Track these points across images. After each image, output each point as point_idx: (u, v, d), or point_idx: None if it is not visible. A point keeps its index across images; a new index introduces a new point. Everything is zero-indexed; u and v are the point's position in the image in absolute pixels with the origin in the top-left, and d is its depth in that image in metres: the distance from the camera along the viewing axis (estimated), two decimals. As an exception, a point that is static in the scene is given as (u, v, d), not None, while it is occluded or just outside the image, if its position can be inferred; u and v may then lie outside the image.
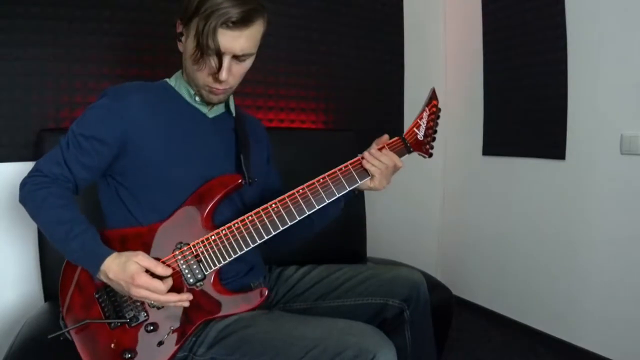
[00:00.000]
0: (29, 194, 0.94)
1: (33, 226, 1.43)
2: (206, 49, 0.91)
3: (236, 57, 0.95)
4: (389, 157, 1.04)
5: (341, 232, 1.16)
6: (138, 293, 0.87)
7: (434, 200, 2.53)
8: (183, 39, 0.99)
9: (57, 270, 0.99)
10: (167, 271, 0.90)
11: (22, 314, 1.43)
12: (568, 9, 1.85)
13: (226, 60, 0.94)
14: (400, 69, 2.34)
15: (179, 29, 1.00)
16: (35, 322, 1.20)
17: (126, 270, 0.86)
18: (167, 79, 1.09)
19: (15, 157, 1.47)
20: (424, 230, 2.52)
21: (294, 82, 2.02)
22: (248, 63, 1.00)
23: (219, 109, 1.09)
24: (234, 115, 1.12)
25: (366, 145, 2.16)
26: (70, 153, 0.95)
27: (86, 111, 0.99)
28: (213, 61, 0.93)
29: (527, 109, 2.06)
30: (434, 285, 1.55)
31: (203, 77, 0.97)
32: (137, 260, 0.87)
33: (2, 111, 1.46)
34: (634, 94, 1.65)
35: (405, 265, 1.70)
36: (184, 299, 0.90)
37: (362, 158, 1.04)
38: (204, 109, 1.06)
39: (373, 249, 1.93)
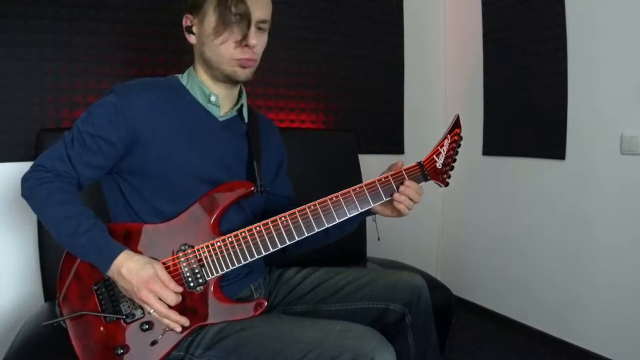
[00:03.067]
0: (32, 189, 0.93)
1: (33, 226, 1.43)
2: (230, 17, 0.93)
3: (257, 25, 0.97)
4: (415, 192, 1.00)
5: (346, 235, 1.14)
6: (147, 298, 0.86)
7: (434, 200, 2.53)
8: (195, 28, 0.99)
9: (57, 270, 0.99)
10: (178, 288, 0.90)
11: (22, 314, 1.43)
12: (568, 9, 1.85)
13: (252, 26, 0.95)
14: (400, 69, 2.34)
15: (187, 22, 1.01)
16: (35, 322, 1.19)
17: (143, 270, 0.87)
18: (178, 75, 1.06)
19: (16, 157, 1.47)
20: (424, 230, 2.52)
21: (294, 82, 2.02)
22: (266, 36, 1.02)
23: (232, 113, 1.07)
24: (246, 120, 1.10)
25: (366, 145, 2.18)
26: (75, 150, 0.94)
27: (92, 108, 0.96)
28: (237, 29, 0.94)
29: (527, 109, 2.06)
30: (434, 285, 1.55)
31: (229, 50, 0.96)
32: (156, 268, 0.88)
33: (2, 111, 1.46)
34: (634, 94, 1.65)
35: (406, 267, 1.70)
36: (180, 322, 0.90)
37: (381, 182, 0.99)
38: (215, 111, 1.04)
39: (373, 250, 1.93)
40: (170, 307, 0.89)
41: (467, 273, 2.42)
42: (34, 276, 1.49)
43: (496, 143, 2.23)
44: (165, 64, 1.66)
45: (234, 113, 1.08)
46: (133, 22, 1.64)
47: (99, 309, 0.93)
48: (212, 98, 1.02)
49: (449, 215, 2.54)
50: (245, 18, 0.94)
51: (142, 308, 0.93)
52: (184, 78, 1.05)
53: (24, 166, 0.99)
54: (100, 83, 1.58)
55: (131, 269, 0.87)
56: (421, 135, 2.34)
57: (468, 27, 2.33)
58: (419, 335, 1.07)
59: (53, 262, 1.30)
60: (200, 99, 1.03)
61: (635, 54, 1.63)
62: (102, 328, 0.93)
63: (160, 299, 0.88)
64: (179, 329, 0.91)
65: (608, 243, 1.76)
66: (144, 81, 1.00)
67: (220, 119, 1.05)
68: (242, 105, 1.09)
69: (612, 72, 1.72)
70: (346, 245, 1.82)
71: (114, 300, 0.93)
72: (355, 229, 1.14)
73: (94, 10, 1.57)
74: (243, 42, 0.96)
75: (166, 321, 0.90)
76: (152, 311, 0.89)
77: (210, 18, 0.95)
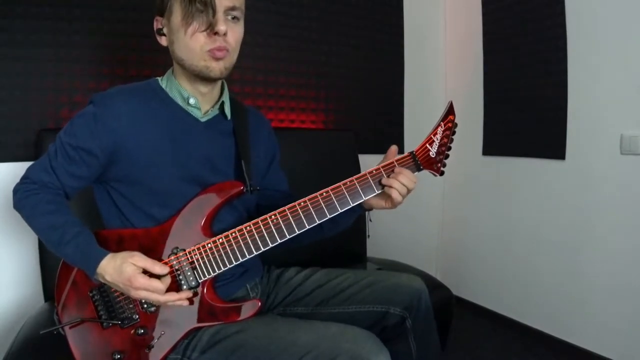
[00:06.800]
0: (21, 201, 0.95)
1: (33, 226, 1.43)
2: (194, 6, 0.89)
3: (228, 14, 0.93)
4: (408, 179, 0.96)
5: (341, 232, 1.14)
6: (138, 294, 0.87)
7: (434, 200, 2.53)
8: (165, 29, 0.97)
9: (57, 270, 0.99)
10: (164, 269, 0.89)
11: (22, 314, 1.43)
12: (568, 9, 1.85)
13: (220, 13, 0.91)
14: (400, 69, 2.34)
15: (158, 24, 0.98)
16: (35, 322, 1.20)
17: (122, 273, 0.86)
18: (158, 78, 1.04)
19: (15, 157, 1.47)
20: (424, 230, 2.52)
21: (294, 82, 2.02)
22: (240, 27, 0.98)
23: (213, 112, 1.05)
24: (229, 118, 1.07)
25: (366, 145, 2.18)
26: (58, 162, 0.94)
27: (74, 119, 0.96)
28: (204, 18, 0.90)
29: (527, 109, 2.06)
30: (434, 285, 1.55)
31: (199, 42, 0.92)
32: (134, 262, 0.87)
33: (2, 111, 1.46)
34: (634, 94, 1.65)
35: (407, 268, 1.70)
36: (182, 298, 0.90)
37: (372, 174, 0.97)
38: (196, 113, 1.02)
39: (373, 249, 1.93)
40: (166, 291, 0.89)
41: (467, 273, 2.42)
42: (34, 276, 1.49)
43: (496, 143, 2.23)
44: (165, 64, 1.66)
45: (216, 111, 1.06)
46: (134, 22, 1.63)
47: (96, 315, 0.93)
48: (191, 101, 1.00)
49: (449, 215, 2.53)
50: (209, 6, 0.90)
51: (137, 313, 0.93)
52: (163, 81, 1.03)
53: (24, 166, 0.99)
54: (100, 83, 1.58)
55: (112, 275, 0.87)
56: (421, 135, 2.31)
57: (468, 27, 2.33)
58: (420, 338, 1.07)
59: (53, 262, 1.30)
60: (180, 102, 1.01)
61: (635, 54, 1.63)
62: (99, 334, 0.93)
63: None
64: (186, 303, 0.91)
65: (608, 243, 1.76)
66: (122, 88, 0.98)
67: (202, 120, 1.03)
68: (222, 103, 1.06)
69: (612, 72, 1.72)
70: (346, 245, 1.83)
71: (109, 305, 0.93)
72: (354, 227, 1.13)
73: (93, 11, 1.57)
74: (211, 29, 0.91)
75: (170, 304, 0.90)
76: (150, 303, 0.89)
77: (177, 13, 0.92)
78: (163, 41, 1.00)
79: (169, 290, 0.90)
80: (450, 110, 1.01)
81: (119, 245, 0.94)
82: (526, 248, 2.09)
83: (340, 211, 0.95)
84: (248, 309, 0.95)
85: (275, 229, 0.93)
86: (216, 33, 0.92)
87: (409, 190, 0.97)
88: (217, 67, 0.95)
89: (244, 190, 0.99)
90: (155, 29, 1.00)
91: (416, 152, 1.00)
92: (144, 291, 0.86)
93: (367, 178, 0.97)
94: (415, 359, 1.07)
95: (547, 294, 2.00)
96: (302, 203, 0.94)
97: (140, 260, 0.87)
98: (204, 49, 0.93)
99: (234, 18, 0.95)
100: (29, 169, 0.98)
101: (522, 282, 2.11)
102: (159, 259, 0.93)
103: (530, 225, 2.07)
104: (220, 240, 0.93)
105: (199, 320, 0.94)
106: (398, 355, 0.99)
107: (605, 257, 1.77)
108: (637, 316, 1.66)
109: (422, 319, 1.06)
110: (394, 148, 1.02)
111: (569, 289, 1.90)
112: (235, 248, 0.93)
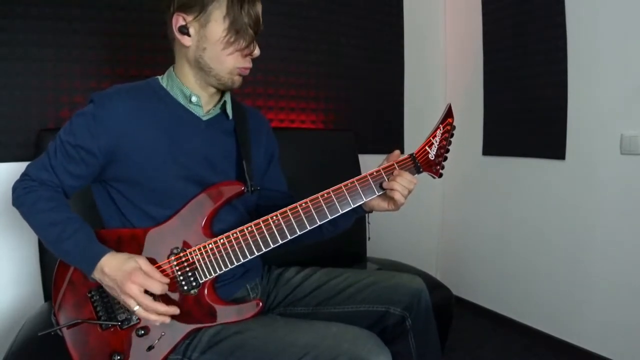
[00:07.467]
0: (20, 198, 0.94)
1: (33, 226, 1.43)
2: (245, 25, 0.93)
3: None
4: (408, 180, 0.97)
5: (341, 234, 1.14)
6: (130, 289, 0.85)
7: (434, 200, 2.53)
8: (192, 30, 0.95)
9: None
10: (164, 279, 0.89)
11: (22, 314, 1.43)
12: (568, 9, 1.85)
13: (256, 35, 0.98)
14: (400, 69, 2.34)
15: (180, 22, 0.95)
16: (35, 322, 1.20)
17: (126, 264, 0.86)
18: (158, 77, 1.04)
19: (15, 157, 1.47)
20: (424, 230, 2.52)
21: (294, 82, 2.02)
22: None
23: (215, 111, 1.05)
24: (230, 117, 1.07)
25: (366, 145, 2.18)
26: (57, 160, 0.94)
27: (73, 118, 0.96)
28: (246, 38, 0.95)
29: (527, 109, 2.06)
30: (434, 285, 1.55)
31: (234, 60, 0.97)
32: (139, 262, 0.88)
33: (2, 111, 1.46)
34: (634, 94, 1.65)
35: (407, 268, 1.70)
36: (170, 312, 0.89)
37: (372, 176, 0.97)
38: (198, 111, 1.02)
39: (373, 249, 1.93)
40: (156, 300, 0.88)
41: (467, 273, 2.42)
42: (33, 276, 1.49)
43: (496, 143, 2.23)
44: (165, 64, 1.66)
45: (217, 110, 1.06)
46: (134, 22, 1.63)
47: (95, 316, 0.93)
48: (193, 99, 1.00)
49: (449, 215, 2.53)
50: (254, 26, 0.95)
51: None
52: (163, 80, 1.03)
53: (24, 166, 0.99)
54: (100, 83, 1.58)
55: (113, 266, 0.87)
56: (421, 135, 2.31)
57: (468, 27, 2.33)
58: (420, 337, 1.07)
59: (53, 262, 1.30)
60: (181, 100, 1.01)
61: (635, 54, 1.63)
62: (98, 335, 0.93)
63: (146, 291, 0.87)
64: (167, 320, 0.89)
65: (608, 243, 1.76)
66: (122, 88, 0.98)
67: (204, 118, 1.03)
68: (225, 102, 1.06)
69: (612, 72, 1.72)
70: (346, 245, 1.83)
71: (108, 306, 0.93)
72: (354, 228, 1.13)
73: (93, 11, 1.57)
74: (248, 51, 0.97)
75: (153, 317, 0.87)
76: (137, 308, 0.86)
77: (217, 25, 0.93)
78: (186, 41, 0.96)
79: (167, 292, 0.90)
80: (448, 113, 1.02)
81: (118, 245, 0.94)
82: (526, 248, 2.09)
83: (341, 212, 0.95)
84: (249, 309, 0.94)
85: (276, 230, 0.93)
86: (250, 55, 0.98)
87: (409, 192, 0.97)
88: (238, 81, 1.01)
89: (245, 191, 0.99)
90: (176, 25, 0.95)
91: (416, 154, 1.01)
92: (137, 289, 0.85)
93: (368, 179, 0.97)
94: (414, 358, 1.07)
95: (547, 293, 2.00)
96: (303, 204, 0.94)
97: (144, 263, 0.88)
98: (236, 66, 0.98)
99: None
100: (28, 167, 0.98)
101: (522, 282, 2.11)
102: (159, 260, 0.93)
103: (530, 225, 2.07)
104: (222, 240, 0.93)
105: (199, 321, 0.93)
106: (398, 356, 0.99)
107: (605, 256, 1.77)
108: (637, 316, 1.66)
109: (422, 318, 1.06)
110: (397, 152, 1.02)
111: (569, 289, 1.90)
112: (237, 249, 0.93)
